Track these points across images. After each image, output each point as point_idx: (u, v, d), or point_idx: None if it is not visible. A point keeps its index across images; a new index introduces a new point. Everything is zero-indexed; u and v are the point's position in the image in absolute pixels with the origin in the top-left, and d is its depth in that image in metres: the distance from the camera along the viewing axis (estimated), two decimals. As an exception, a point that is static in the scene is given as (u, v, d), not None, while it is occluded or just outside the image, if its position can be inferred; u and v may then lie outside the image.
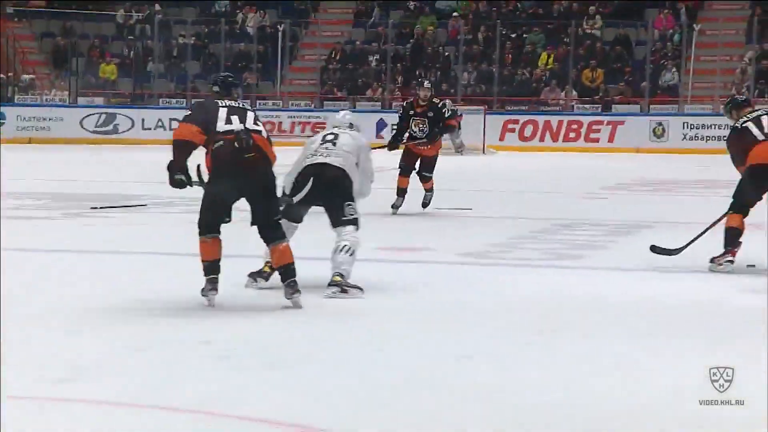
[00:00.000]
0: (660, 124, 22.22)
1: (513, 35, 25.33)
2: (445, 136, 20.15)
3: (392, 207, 10.31)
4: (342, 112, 6.84)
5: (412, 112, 10.34)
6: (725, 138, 7.31)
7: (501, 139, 22.38)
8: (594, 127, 22.68)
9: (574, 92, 23.94)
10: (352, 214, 6.12)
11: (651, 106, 23.21)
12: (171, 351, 4.76)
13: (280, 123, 23.05)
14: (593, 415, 3.87)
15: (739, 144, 7.01)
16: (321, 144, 6.34)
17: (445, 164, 11.64)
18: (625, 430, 3.75)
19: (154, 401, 3.94)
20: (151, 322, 5.34)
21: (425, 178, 10.46)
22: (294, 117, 23.71)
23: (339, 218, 6.12)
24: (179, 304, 5.74)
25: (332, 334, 5.18)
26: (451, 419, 3.82)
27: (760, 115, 7.00)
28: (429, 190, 10.46)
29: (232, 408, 3.85)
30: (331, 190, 6.14)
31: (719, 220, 7.12)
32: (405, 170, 10.36)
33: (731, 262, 6.86)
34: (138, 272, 6.90)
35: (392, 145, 10.44)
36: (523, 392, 4.14)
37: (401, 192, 10.32)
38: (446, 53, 25.41)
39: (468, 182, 11.42)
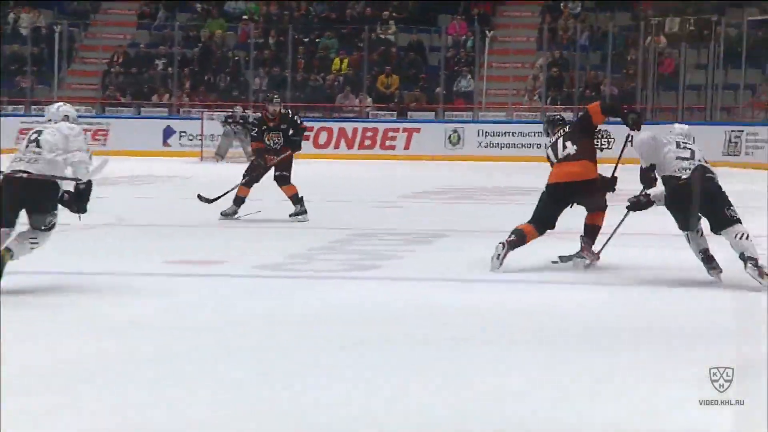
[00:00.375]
0: (455, 131, 22.03)
1: (306, 39, 24.75)
2: (236, 143, 19.72)
3: (222, 213, 10.21)
4: (57, 104, 6.70)
5: (264, 128, 10.44)
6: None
7: (295, 147, 21.69)
8: (390, 134, 22.34)
9: (369, 99, 23.53)
10: (51, 222, 6.29)
11: (446, 113, 23.04)
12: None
13: (57, 130, 21.53)
14: None
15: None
16: (26, 146, 6.28)
17: (237, 172, 11.18)
18: None
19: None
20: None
21: (283, 179, 10.27)
22: (73, 124, 22.29)
23: (39, 225, 6.26)
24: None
25: (114, 350, 4.87)
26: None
27: (558, 139, 7.47)
28: (294, 198, 10.21)
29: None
30: (35, 200, 6.20)
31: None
32: (249, 182, 10.38)
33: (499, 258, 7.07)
34: None
35: (261, 163, 10.36)
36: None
37: (239, 201, 10.33)
38: (236, 57, 24.60)
39: (262, 190, 10.78)
